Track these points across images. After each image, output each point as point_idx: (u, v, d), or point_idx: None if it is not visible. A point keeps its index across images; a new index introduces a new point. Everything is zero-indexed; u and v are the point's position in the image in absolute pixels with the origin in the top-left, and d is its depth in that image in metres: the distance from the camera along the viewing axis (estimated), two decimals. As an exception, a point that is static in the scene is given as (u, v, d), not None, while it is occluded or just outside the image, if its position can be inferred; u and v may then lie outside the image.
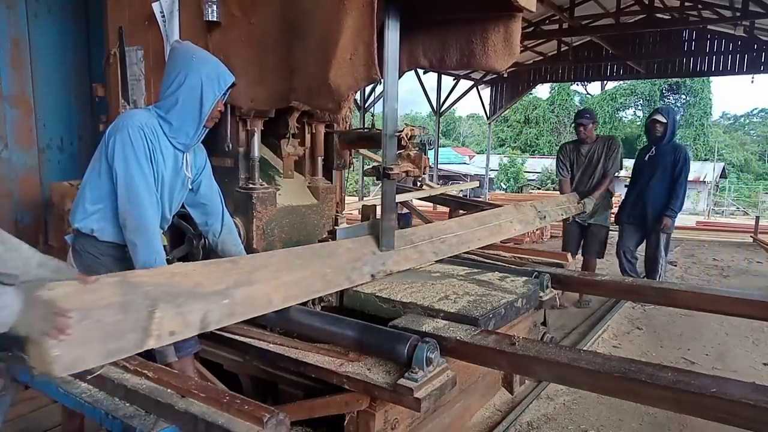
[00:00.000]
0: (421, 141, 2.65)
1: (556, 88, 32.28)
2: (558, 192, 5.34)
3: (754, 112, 37.45)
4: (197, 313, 1.61)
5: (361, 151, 4.07)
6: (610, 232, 5.04)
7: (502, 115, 22.40)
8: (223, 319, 1.70)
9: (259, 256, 2.13)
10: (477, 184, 12.91)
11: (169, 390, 1.54)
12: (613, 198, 5.18)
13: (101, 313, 1.38)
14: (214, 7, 2.45)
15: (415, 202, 7.18)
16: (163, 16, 2.68)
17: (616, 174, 4.93)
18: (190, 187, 2.20)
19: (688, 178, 4.73)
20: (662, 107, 5.14)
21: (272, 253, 2.19)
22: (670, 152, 4.66)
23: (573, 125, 5.00)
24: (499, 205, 5.78)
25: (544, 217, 4.02)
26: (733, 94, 61.87)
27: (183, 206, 2.32)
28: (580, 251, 4.93)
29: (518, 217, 3.63)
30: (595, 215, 4.80)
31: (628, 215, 4.90)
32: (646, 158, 4.78)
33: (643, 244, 4.95)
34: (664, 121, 4.63)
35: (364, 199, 10.96)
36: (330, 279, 2.13)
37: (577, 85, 31.48)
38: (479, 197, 13.05)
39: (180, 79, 1.96)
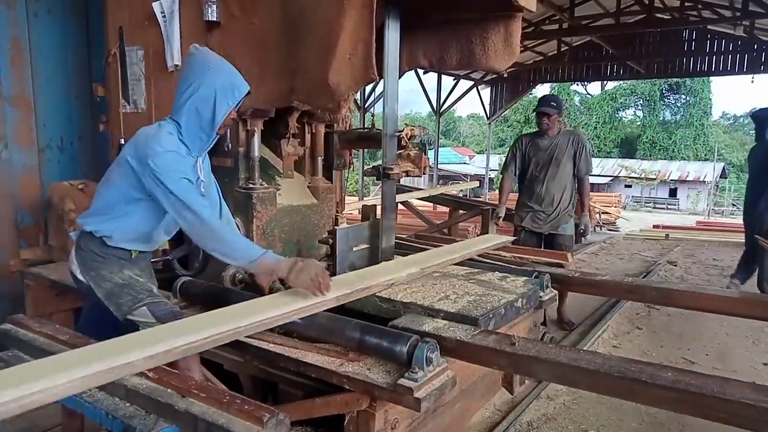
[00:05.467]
0: (421, 141, 2.66)
1: (556, 88, 32.24)
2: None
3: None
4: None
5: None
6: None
7: (502, 115, 22.40)
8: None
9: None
10: (477, 184, 12.93)
11: (169, 390, 1.53)
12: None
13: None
14: (214, 7, 2.46)
15: (415, 202, 7.19)
16: (164, 16, 2.69)
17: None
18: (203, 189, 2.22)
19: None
20: None
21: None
22: None
23: (534, 113, 4.29)
24: (498, 205, 5.78)
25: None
26: (733, 94, 61.94)
27: None
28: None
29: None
30: (560, 223, 4.15)
31: None
32: None
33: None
34: None
35: (364, 199, 10.97)
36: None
37: (577, 85, 31.53)
38: (479, 197, 13.07)
39: (194, 88, 1.96)
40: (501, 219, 4.47)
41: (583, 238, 4.35)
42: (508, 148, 4.68)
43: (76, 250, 2.09)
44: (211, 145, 2.13)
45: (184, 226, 1.94)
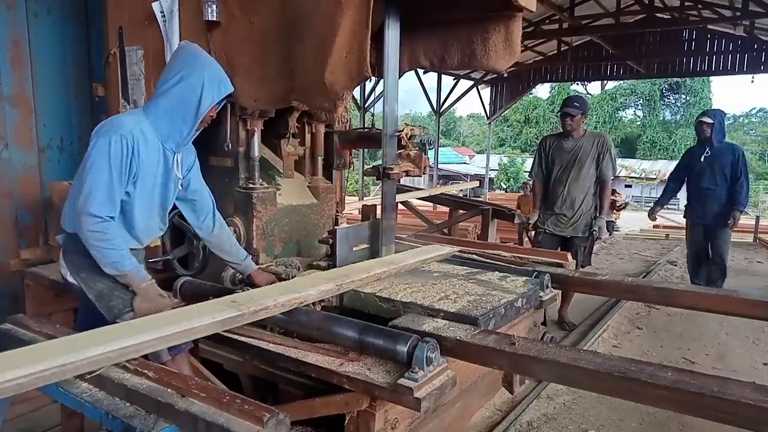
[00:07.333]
0: (421, 141, 2.65)
1: (556, 88, 32.29)
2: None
3: (753, 111, 37.39)
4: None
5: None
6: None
7: (502, 114, 22.41)
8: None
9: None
10: (477, 183, 12.93)
11: (169, 390, 1.53)
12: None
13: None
14: (214, 7, 2.45)
15: (415, 202, 7.18)
16: (163, 16, 2.68)
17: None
18: (181, 186, 2.20)
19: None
20: (709, 110, 5.17)
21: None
22: (728, 152, 4.81)
23: (558, 114, 4.20)
24: (498, 205, 5.78)
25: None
26: (733, 94, 61.86)
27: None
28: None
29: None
30: (581, 226, 4.14)
31: (698, 215, 4.97)
32: (702, 159, 4.87)
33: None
34: (710, 121, 4.75)
35: (364, 199, 10.97)
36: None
37: (577, 84, 31.50)
38: (479, 197, 13.06)
39: (182, 76, 1.96)
40: (531, 226, 4.38)
41: (597, 241, 4.36)
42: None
43: (63, 252, 2.07)
44: (191, 140, 2.11)
45: (76, 206, 1.87)
